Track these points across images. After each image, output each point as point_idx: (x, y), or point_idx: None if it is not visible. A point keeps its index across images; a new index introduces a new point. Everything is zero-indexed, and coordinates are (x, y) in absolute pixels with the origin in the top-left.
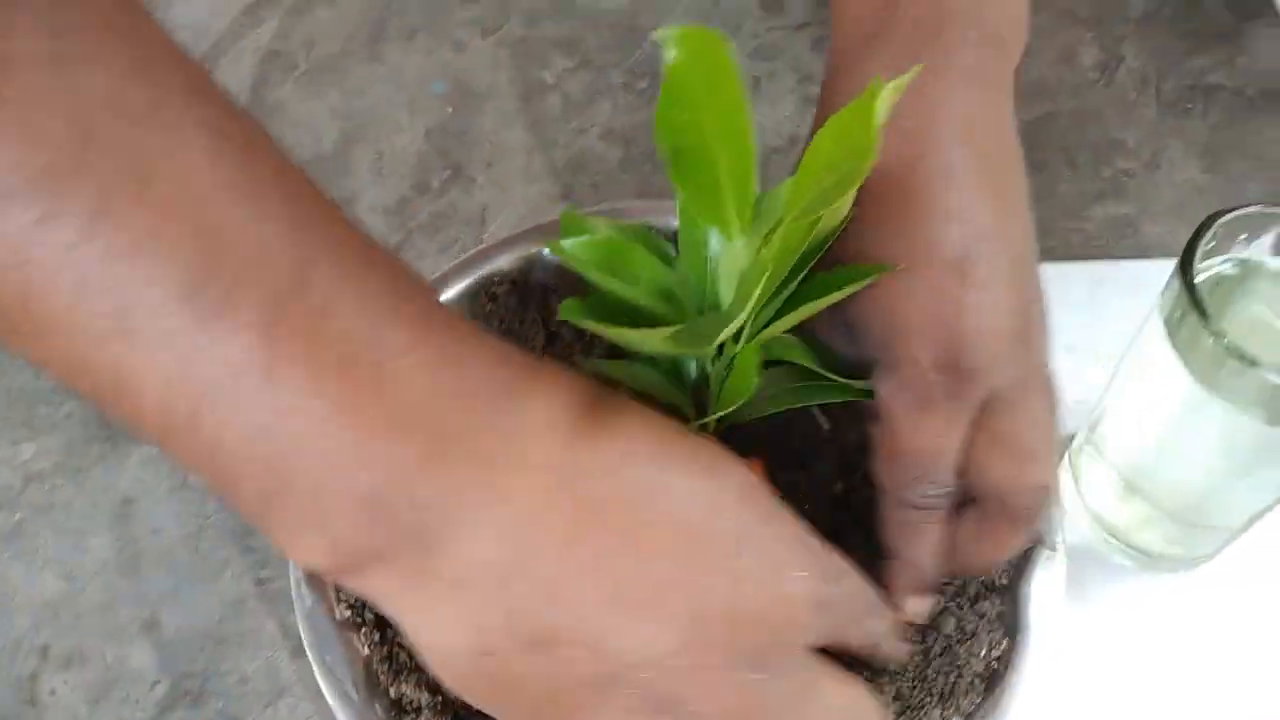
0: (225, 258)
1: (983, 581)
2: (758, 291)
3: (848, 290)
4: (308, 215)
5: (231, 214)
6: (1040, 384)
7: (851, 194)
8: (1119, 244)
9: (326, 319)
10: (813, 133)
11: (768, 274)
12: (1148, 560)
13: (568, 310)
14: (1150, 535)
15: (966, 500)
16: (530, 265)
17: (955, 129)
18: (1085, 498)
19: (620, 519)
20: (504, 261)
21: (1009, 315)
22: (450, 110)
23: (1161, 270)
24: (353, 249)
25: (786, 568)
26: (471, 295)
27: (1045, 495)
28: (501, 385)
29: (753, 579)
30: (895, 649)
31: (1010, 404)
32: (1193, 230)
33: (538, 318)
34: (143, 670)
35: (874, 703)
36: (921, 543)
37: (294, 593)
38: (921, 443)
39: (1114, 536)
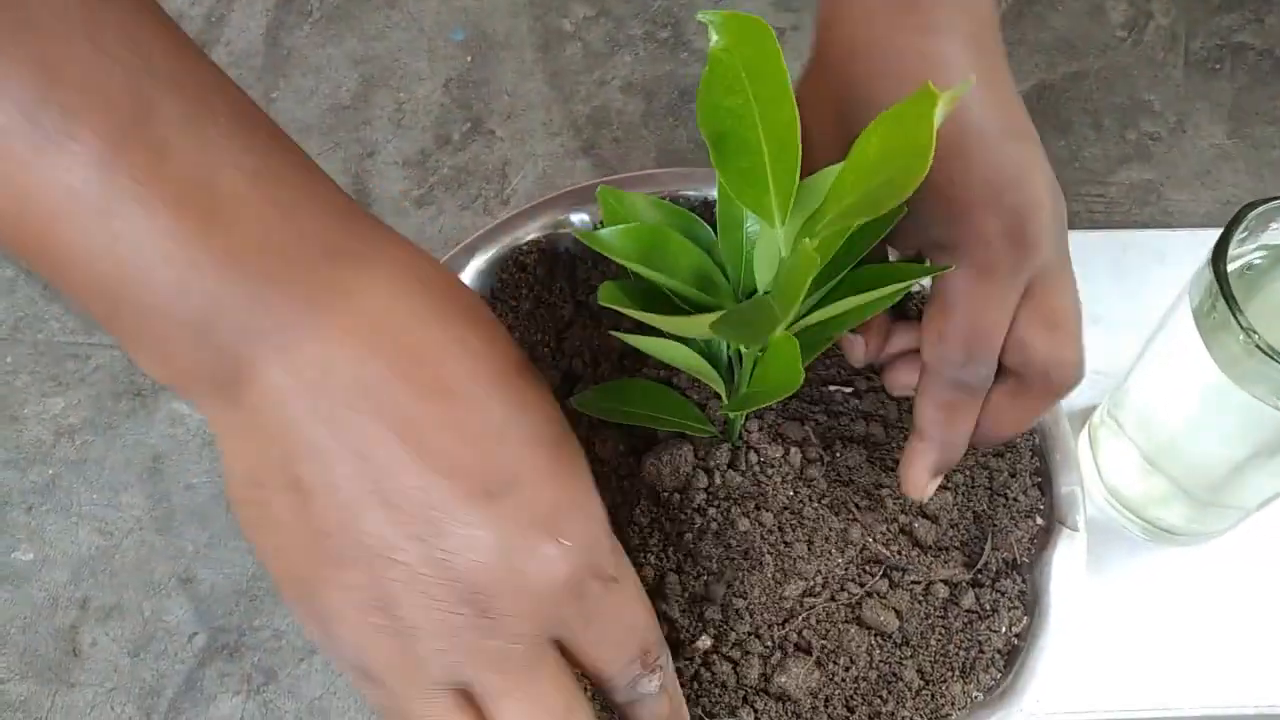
0: (65, 89)
1: (1004, 559)
2: (805, 288)
3: (893, 289)
4: (155, 52)
5: (76, 48)
6: (1070, 266)
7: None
8: (1142, 210)
9: (164, 159)
10: (804, 78)
11: (815, 268)
12: (1161, 534)
13: (607, 296)
14: (1166, 511)
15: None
16: (558, 233)
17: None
18: (1102, 470)
19: (407, 406)
20: (532, 229)
21: (1053, 194)
22: (469, 60)
23: (1187, 241)
24: (199, 89)
25: (556, 533)
26: (499, 264)
27: (1080, 371)
28: (328, 246)
29: (514, 526)
30: (654, 716)
31: (1053, 280)
32: (1215, 198)
33: (566, 286)
34: (180, 624)
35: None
36: (959, 424)
37: None
38: (980, 319)
39: (1129, 510)
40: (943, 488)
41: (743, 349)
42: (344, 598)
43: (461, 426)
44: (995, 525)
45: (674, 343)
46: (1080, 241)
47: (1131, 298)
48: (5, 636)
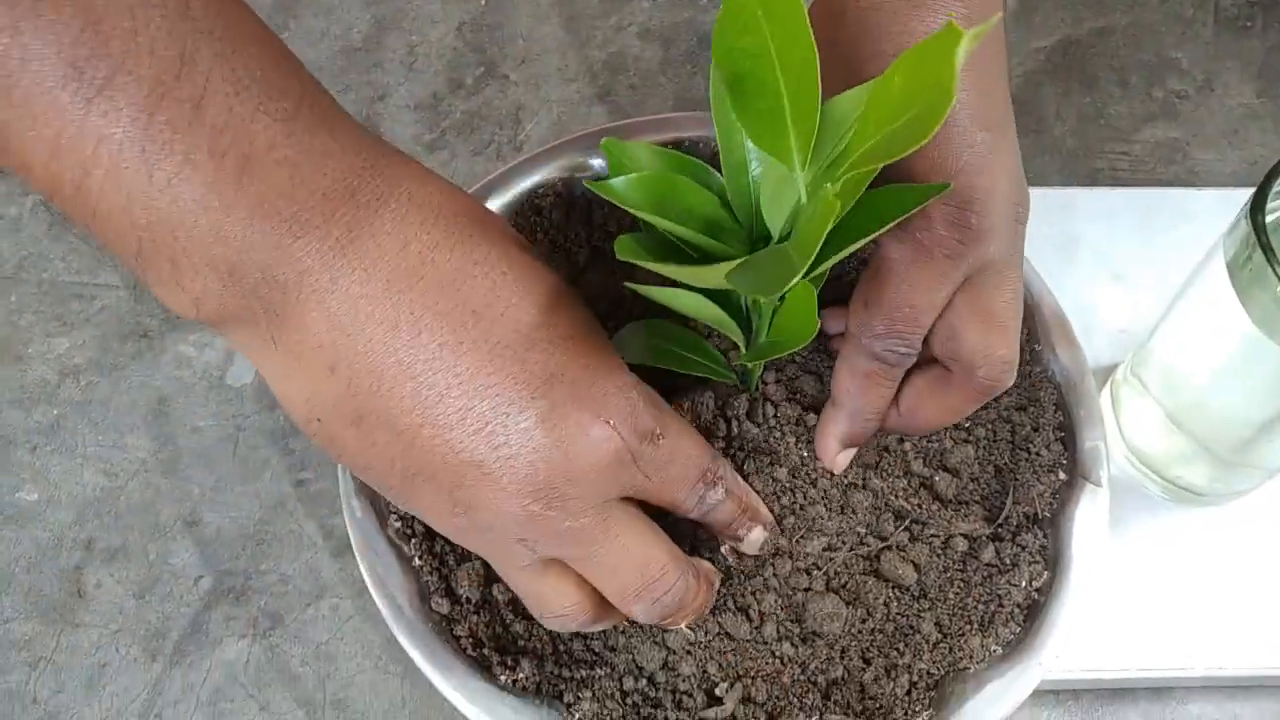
0: (107, 37)
1: (1025, 513)
2: (823, 236)
3: (900, 219)
4: (195, 6)
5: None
6: (1019, 265)
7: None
8: (1167, 169)
9: (201, 110)
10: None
11: (836, 215)
12: (1182, 494)
13: (623, 249)
14: (1189, 470)
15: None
16: (574, 177)
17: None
18: (1124, 430)
19: (455, 325)
20: (548, 173)
21: (1014, 188)
22: (484, 2)
23: (1214, 200)
24: (235, 36)
25: (597, 414)
26: (515, 207)
27: (1011, 371)
28: (354, 187)
29: (562, 417)
30: (728, 518)
31: (995, 277)
32: (1243, 158)
33: (582, 231)
34: (185, 567)
35: (665, 558)
36: (871, 396)
37: (344, 502)
38: (908, 295)
39: (1151, 469)
40: (964, 441)
41: (760, 298)
42: (428, 507)
43: (492, 340)
44: (1017, 479)
45: (691, 293)
46: (1104, 199)
47: (1155, 257)
48: (10, 576)
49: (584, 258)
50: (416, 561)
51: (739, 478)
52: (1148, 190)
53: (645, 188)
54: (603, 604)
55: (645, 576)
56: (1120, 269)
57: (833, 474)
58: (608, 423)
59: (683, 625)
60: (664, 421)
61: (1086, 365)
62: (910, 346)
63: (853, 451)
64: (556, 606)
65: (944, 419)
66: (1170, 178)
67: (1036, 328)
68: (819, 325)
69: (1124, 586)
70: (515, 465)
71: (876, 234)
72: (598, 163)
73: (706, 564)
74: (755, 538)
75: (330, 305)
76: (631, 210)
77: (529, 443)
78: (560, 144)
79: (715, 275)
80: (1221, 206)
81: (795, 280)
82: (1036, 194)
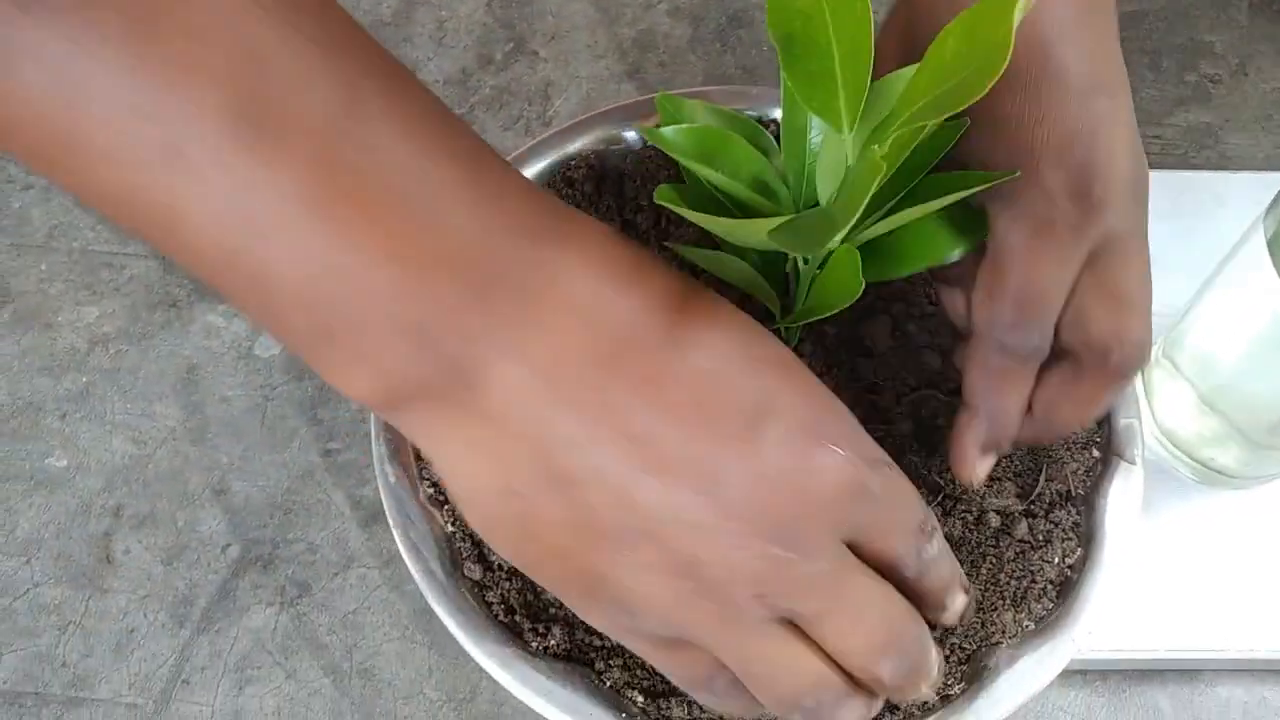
0: (269, 85)
1: (1058, 490)
2: (871, 193)
3: (959, 195)
4: (347, 40)
5: (269, 39)
6: (1145, 240)
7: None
8: (1199, 154)
9: (375, 152)
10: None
11: (881, 175)
12: (1213, 476)
13: (664, 195)
14: (1220, 452)
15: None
16: (608, 150)
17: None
18: (1156, 412)
19: (654, 370)
20: (581, 145)
21: (1133, 159)
22: None
23: (1248, 183)
24: (395, 78)
25: (819, 440)
26: (546, 178)
27: (1145, 353)
28: (545, 225)
29: (785, 448)
30: (943, 581)
31: (1121, 252)
32: (1276, 143)
33: (613, 204)
34: (213, 535)
35: (912, 617)
36: (1009, 394)
37: (377, 469)
38: (1033, 278)
39: (1182, 451)
40: None
41: (801, 263)
42: (641, 577)
43: (699, 376)
44: (1050, 457)
45: (730, 256)
46: None
47: (1188, 240)
48: (39, 541)
49: None
50: (449, 528)
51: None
52: (1180, 173)
53: (696, 139)
54: (844, 672)
55: (892, 628)
56: (1151, 251)
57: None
58: (835, 448)
59: (925, 690)
60: (878, 449)
61: None
62: (1043, 334)
63: (993, 459)
64: (801, 680)
65: (1081, 415)
66: (1202, 162)
67: None
68: (862, 287)
69: (1154, 568)
70: (742, 507)
71: (932, 205)
72: (631, 135)
73: None
74: (958, 607)
75: (524, 355)
76: (680, 158)
77: (755, 481)
78: (593, 116)
79: (758, 230)
80: (1255, 190)
81: (837, 239)
82: None
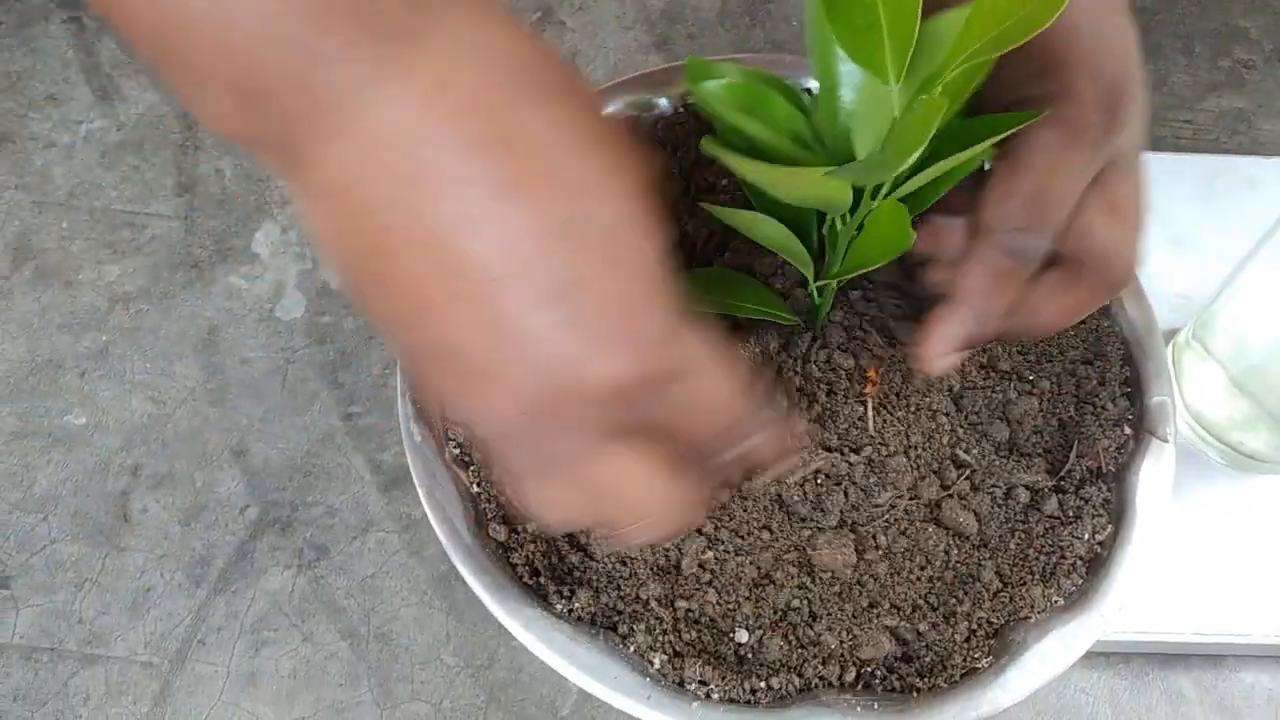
0: None
1: (1089, 466)
2: (928, 137)
3: (997, 138)
4: None
5: None
6: (1142, 159)
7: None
8: (1231, 139)
9: None
10: None
11: (941, 114)
12: (1243, 460)
13: (709, 145)
14: (1251, 436)
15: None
16: (637, 116)
17: None
18: (1185, 395)
19: (487, 165)
20: (609, 111)
21: (1143, 81)
22: None
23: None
24: None
25: (626, 334)
26: None
27: (1135, 270)
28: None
29: (578, 328)
30: (763, 452)
31: (1127, 169)
32: None
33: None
34: (232, 496)
35: (659, 498)
36: (1001, 295)
37: (403, 428)
38: (1051, 183)
39: (1212, 434)
40: (1028, 393)
41: (839, 223)
42: (436, 381)
43: (527, 219)
44: (1082, 433)
45: (765, 217)
46: (1169, 165)
47: (1220, 223)
48: (57, 498)
49: None
50: (474, 489)
51: (772, 422)
52: (1213, 157)
53: (738, 93)
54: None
55: (634, 509)
56: (1182, 234)
57: (889, 422)
58: (628, 348)
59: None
60: (699, 358)
61: (1155, 322)
62: (1048, 239)
63: (958, 358)
64: (558, 514)
65: (1064, 319)
66: (1234, 147)
67: None
68: (913, 239)
69: (1181, 551)
70: (518, 367)
71: (974, 150)
72: (661, 102)
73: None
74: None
75: (361, 133)
76: (720, 112)
77: (539, 351)
78: (621, 82)
79: (808, 180)
80: None
81: (903, 167)
82: None
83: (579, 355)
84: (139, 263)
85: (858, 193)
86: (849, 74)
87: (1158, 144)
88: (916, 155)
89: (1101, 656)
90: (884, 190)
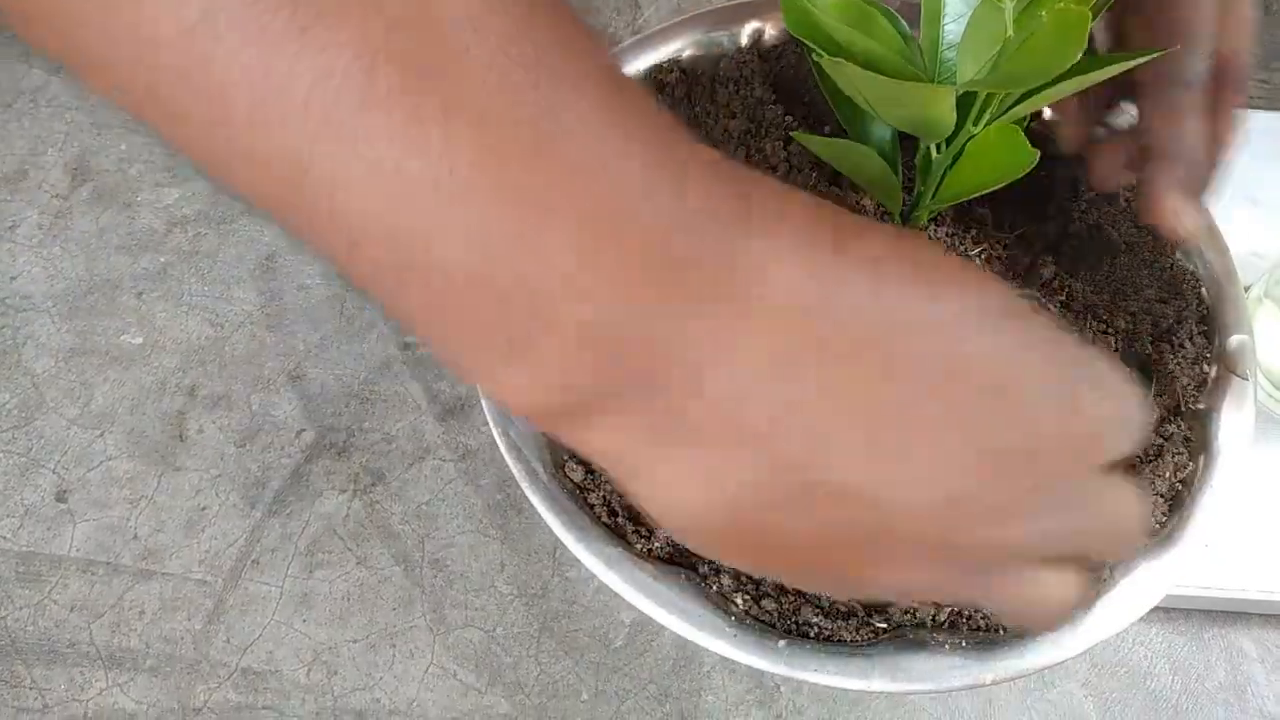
0: (431, 35)
1: (1167, 405)
2: (1081, 45)
3: (1124, 65)
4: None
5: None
6: None
7: None
8: None
9: (557, 116)
10: None
11: (1088, 25)
12: None
13: (821, 59)
14: None
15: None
16: (702, 54)
17: None
18: (1258, 351)
19: (880, 353)
20: (674, 49)
21: None
22: None
23: None
24: (571, 28)
25: (1075, 395)
26: (637, 82)
27: (1249, 66)
28: (739, 212)
29: (1038, 413)
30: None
31: None
32: None
33: (707, 109)
34: (288, 419)
35: (1143, 503)
36: (1193, 126)
37: None
38: (1200, 6)
39: None
40: (1104, 333)
41: (935, 153)
42: (897, 574)
43: (931, 358)
44: (1160, 370)
45: (858, 145)
46: (1242, 122)
47: None
48: (114, 416)
49: (708, 140)
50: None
51: None
52: None
53: (846, 10)
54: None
55: (1135, 530)
56: (1256, 192)
57: None
58: (1092, 398)
59: None
60: (1124, 376)
61: (1234, 267)
62: (1208, 55)
63: (1198, 210)
64: (1062, 605)
65: (1224, 139)
66: None
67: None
68: (1035, 157)
69: (1249, 508)
70: (1006, 486)
71: (1095, 75)
72: (724, 40)
73: None
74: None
75: (736, 362)
76: (831, 28)
77: (1012, 456)
78: (685, 20)
79: (928, 91)
80: None
81: (981, 123)
82: None
83: (1072, 406)
84: (198, 187)
85: (959, 119)
86: (954, 2)
87: None
88: (1062, 69)
89: (1160, 611)
90: (988, 116)
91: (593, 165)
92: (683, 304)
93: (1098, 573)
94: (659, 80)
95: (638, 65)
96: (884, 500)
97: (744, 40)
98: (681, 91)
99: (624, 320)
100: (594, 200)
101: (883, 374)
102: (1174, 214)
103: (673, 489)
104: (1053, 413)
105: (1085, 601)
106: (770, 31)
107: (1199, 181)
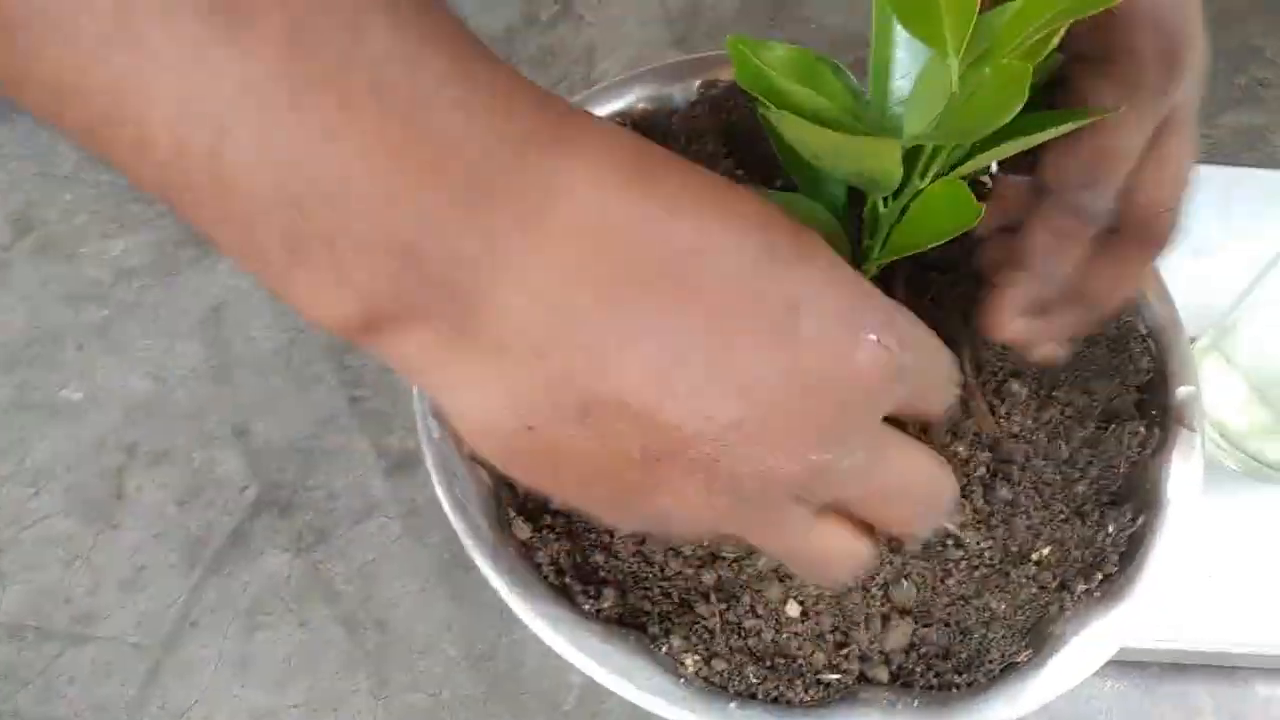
0: None
1: (1113, 461)
2: (1019, 101)
3: (1069, 126)
4: None
5: None
6: (1195, 115)
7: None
8: (1249, 154)
9: (358, 37)
10: None
11: (1026, 81)
12: (1262, 470)
13: (766, 112)
14: (1266, 445)
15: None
16: (653, 110)
17: None
18: (1205, 403)
19: (671, 278)
20: (625, 103)
21: (1201, 32)
22: None
23: None
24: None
25: (856, 332)
26: None
27: (1180, 222)
28: (548, 131)
29: (818, 345)
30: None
31: (1181, 124)
32: None
33: None
34: (231, 476)
35: (942, 469)
36: (1065, 256)
37: (420, 423)
38: (1114, 139)
39: (1230, 443)
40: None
41: (881, 206)
42: (678, 496)
43: (720, 281)
44: (1117, 422)
45: (804, 198)
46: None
47: (1238, 234)
48: (51, 473)
49: None
50: (490, 483)
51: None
52: (1231, 169)
53: (795, 63)
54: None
55: (929, 491)
56: (1200, 244)
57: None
58: (871, 337)
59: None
60: (911, 321)
61: (1179, 318)
62: (1111, 197)
63: (1026, 325)
64: (847, 564)
65: (1130, 284)
66: (1251, 162)
67: None
68: (981, 213)
69: (1198, 560)
70: (782, 415)
71: (1039, 136)
72: (676, 95)
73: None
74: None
75: (530, 278)
76: (779, 83)
77: (791, 385)
78: (637, 74)
79: (872, 145)
80: None
81: (927, 178)
82: None
83: (834, 366)
84: (145, 238)
85: (905, 173)
86: (903, 58)
87: None
88: (1002, 122)
89: (1113, 664)
90: (934, 170)
91: (395, 77)
92: (479, 218)
93: (896, 546)
94: None
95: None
96: (661, 420)
97: (696, 94)
98: None
99: (420, 231)
100: (395, 111)
101: (669, 299)
102: (1003, 321)
103: (467, 398)
104: (837, 351)
105: (869, 566)
106: (722, 85)
107: (1043, 302)
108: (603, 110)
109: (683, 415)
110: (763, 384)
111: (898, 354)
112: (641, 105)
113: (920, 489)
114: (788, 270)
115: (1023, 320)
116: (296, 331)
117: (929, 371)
